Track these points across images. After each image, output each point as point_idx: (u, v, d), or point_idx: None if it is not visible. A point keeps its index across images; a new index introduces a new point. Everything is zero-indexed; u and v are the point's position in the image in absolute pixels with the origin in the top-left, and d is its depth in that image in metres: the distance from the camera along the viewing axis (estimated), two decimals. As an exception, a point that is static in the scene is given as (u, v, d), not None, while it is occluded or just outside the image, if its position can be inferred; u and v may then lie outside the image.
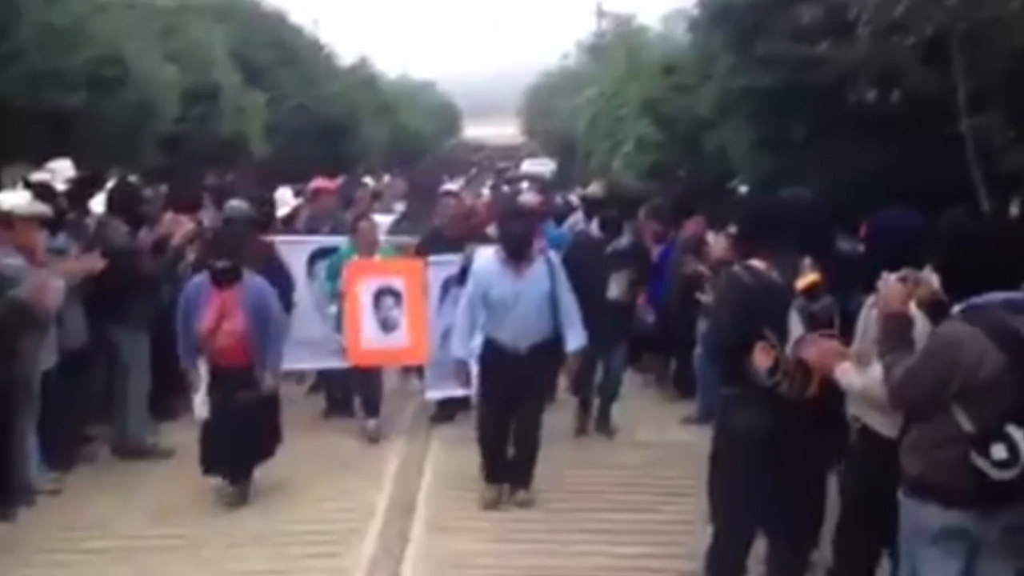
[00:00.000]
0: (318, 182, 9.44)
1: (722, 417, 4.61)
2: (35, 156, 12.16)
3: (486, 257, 6.11)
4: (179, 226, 7.07)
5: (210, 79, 19.99)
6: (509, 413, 6.03)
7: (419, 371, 8.04)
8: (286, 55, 27.54)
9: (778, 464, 4.35)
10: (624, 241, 7.43)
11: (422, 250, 7.85)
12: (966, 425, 3.20)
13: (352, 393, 7.76)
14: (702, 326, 7.42)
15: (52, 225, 6.47)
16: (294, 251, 7.99)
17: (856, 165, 8.50)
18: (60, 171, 8.04)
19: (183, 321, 6.01)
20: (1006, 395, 3.17)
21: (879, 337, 3.53)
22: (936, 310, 3.43)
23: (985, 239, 3.34)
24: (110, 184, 7.99)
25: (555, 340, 6.01)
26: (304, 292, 7.81)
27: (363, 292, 7.31)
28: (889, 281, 3.48)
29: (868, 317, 3.93)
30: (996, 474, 3.15)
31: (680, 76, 13.84)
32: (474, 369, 6.13)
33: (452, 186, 12.23)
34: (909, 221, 4.02)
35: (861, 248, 4.55)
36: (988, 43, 6.87)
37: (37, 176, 7.70)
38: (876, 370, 3.71)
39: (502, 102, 68.78)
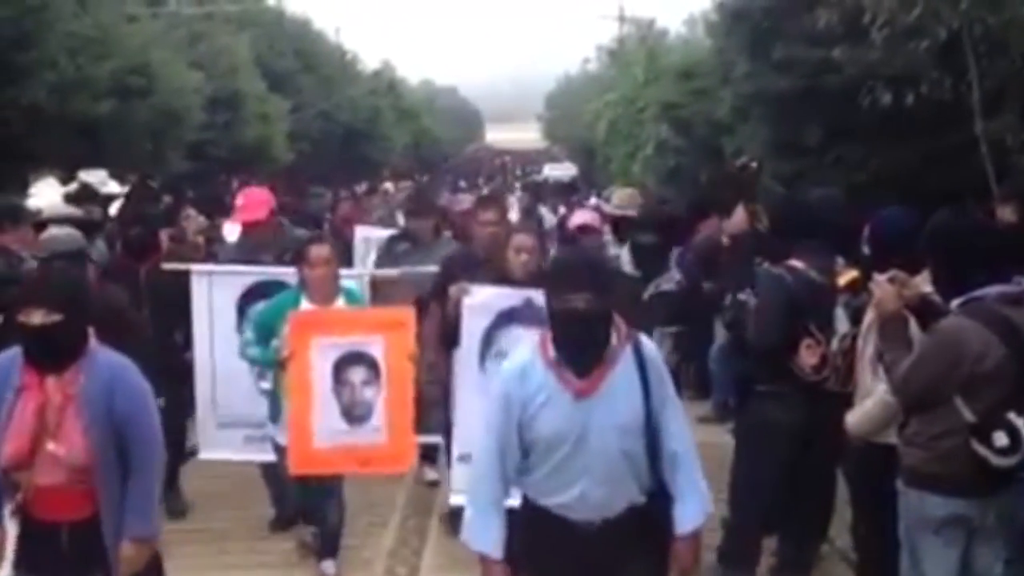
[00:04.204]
0: (246, 208, 5.72)
1: (755, 413, 4.64)
2: (64, 163, 12.47)
3: (523, 354, 3.17)
4: (190, 221, 7.27)
5: (234, 86, 20.33)
6: None
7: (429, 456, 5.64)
8: (309, 62, 27.90)
9: (802, 459, 4.43)
10: (670, 281, 5.32)
11: (448, 279, 5.00)
12: (968, 415, 3.29)
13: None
14: (718, 327, 7.47)
15: (88, 231, 6.62)
16: (217, 286, 5.42)
17: (871, 168, 8.57)
18: (95, 181, 8.27)
19: None
20: (1007, 384, 3.27)
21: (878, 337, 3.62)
22: (922, 311, 3.52)
23: (972, 236, 3.43)
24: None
25: (654, 509, 3.20)
26: (232, 349, 5.16)
27: (317, 359, 4.68)
28: (882, 283, 3.57)
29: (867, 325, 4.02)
30: (997, 461, 3.24)
31: (699, 80, 13.94)
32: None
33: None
34: (909, 220, 4.10)
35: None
36: (1002, 46, 6.93)
37: (74, 185, 7.95)
38: (867, 403, 3.87)
39: (524, 107, 69.12)
